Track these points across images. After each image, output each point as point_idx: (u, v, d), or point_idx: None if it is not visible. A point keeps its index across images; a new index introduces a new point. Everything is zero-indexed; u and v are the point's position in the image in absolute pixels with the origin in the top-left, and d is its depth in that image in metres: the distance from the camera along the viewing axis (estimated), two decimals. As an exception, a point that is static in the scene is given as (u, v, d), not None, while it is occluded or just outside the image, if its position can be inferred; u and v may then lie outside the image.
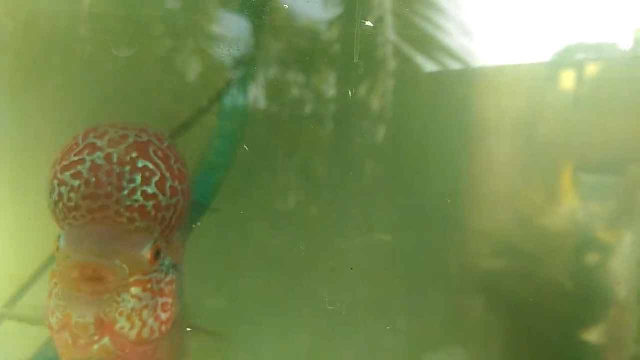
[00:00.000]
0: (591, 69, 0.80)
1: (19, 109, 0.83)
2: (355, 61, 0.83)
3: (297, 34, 0.88)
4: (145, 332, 0.56)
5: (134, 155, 0.57)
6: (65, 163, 0.57)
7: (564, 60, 0.81)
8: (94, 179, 0.55)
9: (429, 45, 0.87)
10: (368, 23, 0.83)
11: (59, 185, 0.56)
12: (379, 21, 0.88)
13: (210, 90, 0.84)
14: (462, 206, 0.79)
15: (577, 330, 0.79)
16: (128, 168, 0.56)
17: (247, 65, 0.85)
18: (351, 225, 0.83)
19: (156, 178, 0.57)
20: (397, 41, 0.88)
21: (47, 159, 0.60)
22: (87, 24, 0.82)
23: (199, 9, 0.85)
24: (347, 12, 0.87)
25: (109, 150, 0.56)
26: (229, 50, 0.84)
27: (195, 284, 0.72)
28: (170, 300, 0.58)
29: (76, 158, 0.56)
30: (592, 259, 0.76)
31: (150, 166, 0.57)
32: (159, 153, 0.58)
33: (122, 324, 0.54)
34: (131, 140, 0.58)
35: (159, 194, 0.57)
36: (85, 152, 0.56)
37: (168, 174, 0.58)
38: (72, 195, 0.55)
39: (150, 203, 0.56)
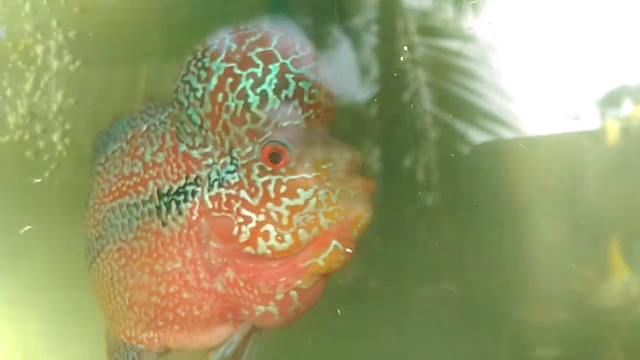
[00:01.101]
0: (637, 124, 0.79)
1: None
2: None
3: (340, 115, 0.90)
4: None
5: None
6: (295, 57, 0.50)
7: (606, 116, 0.80)
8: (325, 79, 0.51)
9: (469, 112, 0.88)
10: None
11: (295, 79, 0.49)
12: (416, 93, 0.90)
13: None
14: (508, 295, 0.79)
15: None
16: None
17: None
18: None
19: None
20: (435, 111, 0.89)
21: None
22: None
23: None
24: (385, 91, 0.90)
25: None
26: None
27: None
28: None
29: (304, 53, 0.51)
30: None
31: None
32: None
33: None
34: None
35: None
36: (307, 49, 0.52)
37: None
38: (315, 91, 0.50)
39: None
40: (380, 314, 0.84)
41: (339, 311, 0.74)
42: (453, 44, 0.88)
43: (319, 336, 0.83)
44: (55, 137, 0.88)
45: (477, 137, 0.87)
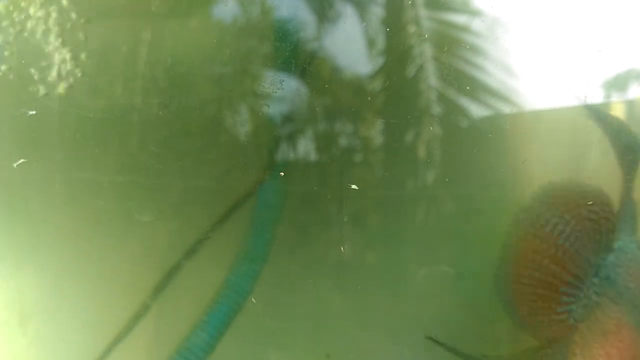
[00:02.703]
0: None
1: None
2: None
3: (342, 87, 0.90)
4: None
5: None
6: None
7: (612, 98, 0.80)
8: None
9: (473, 89, 0.87)
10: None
11: None
12: (421, 69, 0.89)
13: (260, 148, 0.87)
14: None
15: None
16: None
17: (295, 120, 0.87)
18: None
19: None
20: (440, 87, 0.88)
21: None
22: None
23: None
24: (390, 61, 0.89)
25: None
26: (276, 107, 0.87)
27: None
28: None
29: None
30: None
31: None
32: None
33: None
34: None
35: None
36: None
37: None
38: None
39: None
40: (378, 287, 0.83)
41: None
42: (460, 19, 0.87)
43: (316, 311, 0.83)
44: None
45: (480, 112, 0.86)
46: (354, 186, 0.82)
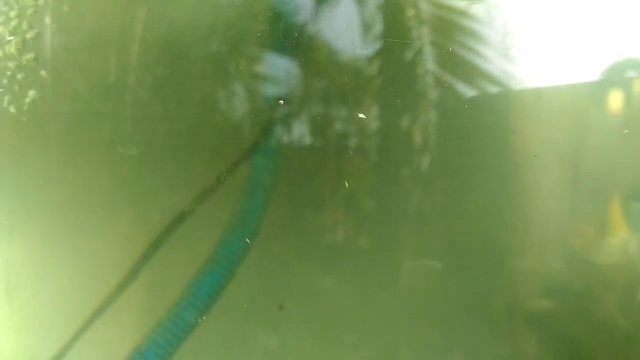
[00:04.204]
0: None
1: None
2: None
3: (338, 70, 0.89)
4: None
5: None
6: None
7: (610, 80, 0.79)
8: None
9: (470, 72, 0.86)
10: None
11: None
12: (418, 53, 0.88)
13: (255, 129, 0.86)
14: (507, 242, 0.77)
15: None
16: None
17: (289, 102, 0.87)
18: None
19: None
20: (437, 71, 0.88)
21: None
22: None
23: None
24: (386, 47, 0.88)
25: None
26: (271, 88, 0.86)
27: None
28: None
29: None
30: (646, 294, 0.73)
31: None
32: None
33: None
34: None
35: None
36: None
37: None
38: None
39: None
40: (369, 272, 0.82)
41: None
42: (459, 3, 0.87)
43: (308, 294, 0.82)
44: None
45: (477, 96, 0.85)
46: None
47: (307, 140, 0.88)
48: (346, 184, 0.77)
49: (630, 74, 0.78)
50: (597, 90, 0.78)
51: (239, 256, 0.78)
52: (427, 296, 0.80)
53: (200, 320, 0.75)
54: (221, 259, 0.77)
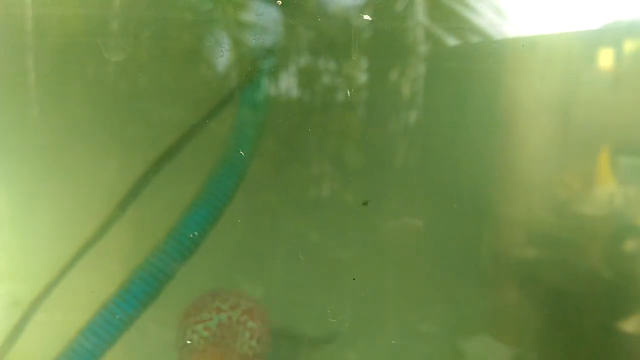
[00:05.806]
0: (631, 46, 0.77)
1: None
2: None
3: (327, 21, 0.87)
4: None
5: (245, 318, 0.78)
6: (197, 318, 0.77)
7: (601, 36, 0.78)
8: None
9: (460, 27, 0.85)
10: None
11: (192, 333, 0.77)
12: (409, 5, 0.87)
13: (238, 79, 0.84)
14: (495, 192, 0.77)
15: (615, 320, 0.77)
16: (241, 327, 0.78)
17: (275, 53, 0.85)
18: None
19: (257, 335, 0.78)
20: (427, 24, 0.86)
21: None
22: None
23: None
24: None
25: (230, 313, 0.78)
26: (258, 38, 0.84)
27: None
28: None
29: (208, 316, 0.77)
30: (630, 245, 0.74)
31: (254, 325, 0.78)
32: (258, 316, 0.79)
33: None
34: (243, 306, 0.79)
35: (257, 346, 0.78)
36: (214, 312, 0.78)
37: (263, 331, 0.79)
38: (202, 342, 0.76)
39: (251, 352, 0.77)
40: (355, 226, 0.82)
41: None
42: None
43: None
44: None
45: (468, 50, 0.84)
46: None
47: (294, 92, 0.87)
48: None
49: (624, 26, 0.77)
50: (590, 42, 0.77)
51: (229, 192, 0.77)
52: (412, 249, 0.80)
53: (185, 258, 0.75)
54: (210, 194, 0.76)
